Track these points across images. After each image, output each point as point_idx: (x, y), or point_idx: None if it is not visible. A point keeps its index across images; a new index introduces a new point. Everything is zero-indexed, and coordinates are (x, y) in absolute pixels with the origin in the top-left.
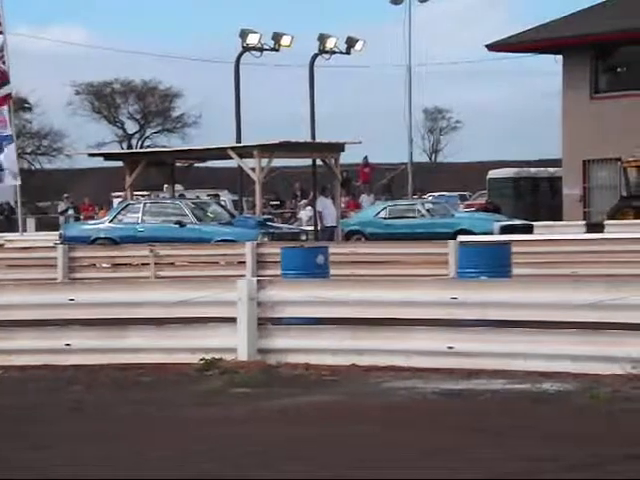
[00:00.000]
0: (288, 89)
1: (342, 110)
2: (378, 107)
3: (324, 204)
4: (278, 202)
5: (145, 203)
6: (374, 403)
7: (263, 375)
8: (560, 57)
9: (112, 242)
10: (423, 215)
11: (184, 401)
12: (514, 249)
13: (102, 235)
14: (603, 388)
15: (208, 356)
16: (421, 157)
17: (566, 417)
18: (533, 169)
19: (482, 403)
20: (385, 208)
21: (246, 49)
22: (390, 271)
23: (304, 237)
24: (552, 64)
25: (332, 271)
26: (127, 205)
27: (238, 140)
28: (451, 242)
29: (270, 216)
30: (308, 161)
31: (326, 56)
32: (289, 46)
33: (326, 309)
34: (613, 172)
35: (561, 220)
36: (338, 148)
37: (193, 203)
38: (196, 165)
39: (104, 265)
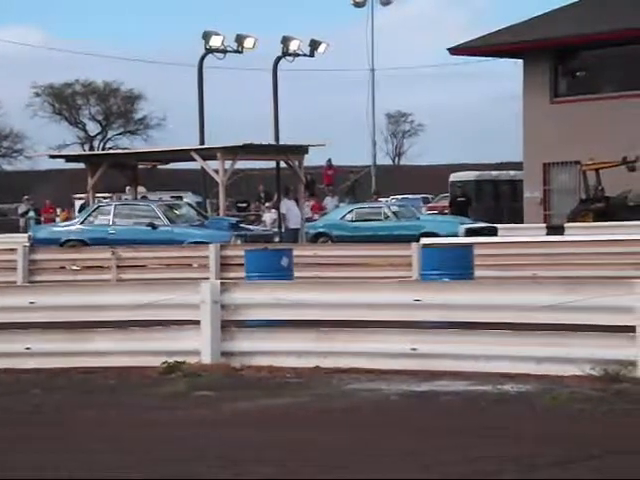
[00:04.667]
0: (253, 91)
1: (307, 113)
2: (342, 110)
3: (288, 206)
4: (245, 204)
5: (116, 205)
6: (338, 405)
7: (227, 378)
8: (520, 61)
9: (83, 244)
10: (389, 217)
11: (147, 404)
12: (478, 251)
13: (73, 237)
14: (563, 389)
15: (172, 359)
16: (385, 160)
17: (527, 418)
18: (495, 172)
19: (444, 404)
20: (352, 211)
21: (209, 51)
22: (354, 273)
23: (277, 239)
24: (514, 67)
25: (296, 273)
26: (98, 207)
27: (202, 142)
28: (414, 244)
29: (240, 218)
30: (272, 163)
31: (290, 58)
32: (252, 48)
33: (290, 311)
34: (573, 175)
35: (522, 223)
36: (302, 150)
37: (165, 205)
38: (159, 167)
39: (74, 267)
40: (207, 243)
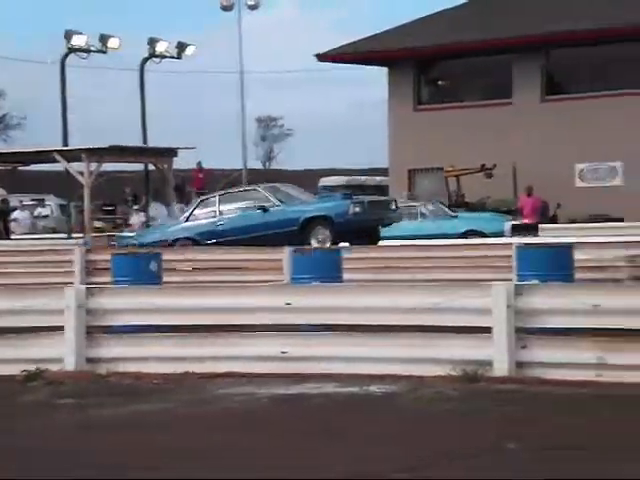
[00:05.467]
0: (121, 93)
1: (179, 116)
2: (213, 113)
3: (157, 209)
4: (112, 207)
5: (220, 196)
6: (209, 410)
7: (92, 385)
8: (385, 69)
9: (193, 242)
10: None
11: (7, 412)
12: (358, 255)
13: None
14: (427, 389)
15: (33, 367)
16: (256, 164)
17: (391, 418)
18: (363, 177)
19: (313, 407)
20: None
21: (72, 50)
22: (226, 277)
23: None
24: (380, 74)
25: (166, 278)
26: (201, 201)
27: (65, 143)
28: (286, 248)
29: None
30: (141, 165)
31: (157, 60)
32: (117, 49)
33: (158, 317)
34: (436, 181)
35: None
36: (171, 153)
37: (269, 186)
38: (20, 169)
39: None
40: (325, 217)
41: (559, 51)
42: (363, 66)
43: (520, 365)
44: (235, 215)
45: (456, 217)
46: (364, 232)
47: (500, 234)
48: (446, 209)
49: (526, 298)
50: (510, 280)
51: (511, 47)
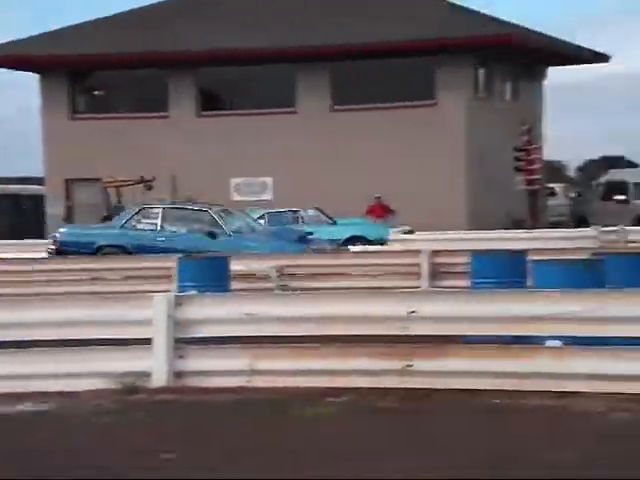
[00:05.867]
0: None
1: None
2: None
3: None
4: None
5: (165, 208)
6: None
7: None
8: (38, 75)
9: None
10: None
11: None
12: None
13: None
14: (85, 404)
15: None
16: None
17: (49, 435)
18: (15, 186)
19: None
20: None
21: None
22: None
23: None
24: (34, 80)
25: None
26: (143, 209)
27: None
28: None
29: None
30: None
31: None
32: None
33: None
34: (95, 192)
35: (45, 239)
36: None
37: (222, 210)
38: None
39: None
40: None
41: (212, 69)
42: (13, 71)
43: (179, 375)
44: (178, 233)
45: (335, 223)
46: None
47: (383, 241)
48: (323, 216)
49: (185, 309)
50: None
51: (166, 61)
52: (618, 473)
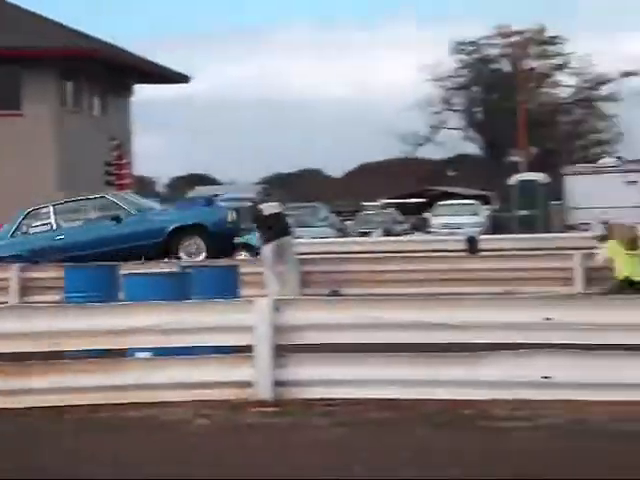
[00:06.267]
0: None
1: None
2: None
3: None
4: None
5: (55, 206)
6: None
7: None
8: None
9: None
10: None
11: None
12: None
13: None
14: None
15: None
16: None
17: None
18: None
19: None
20: None
21: None
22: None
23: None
24: None
25: None
26: (28, 213)
27: None
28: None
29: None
30: None
31: None
32: None
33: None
34: None
35: None
36: None
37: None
38: None
39: None
40: (199, 225)
41: None
42: None
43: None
44: (79, 227)
45: None
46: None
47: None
48: None
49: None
50: None
51: None
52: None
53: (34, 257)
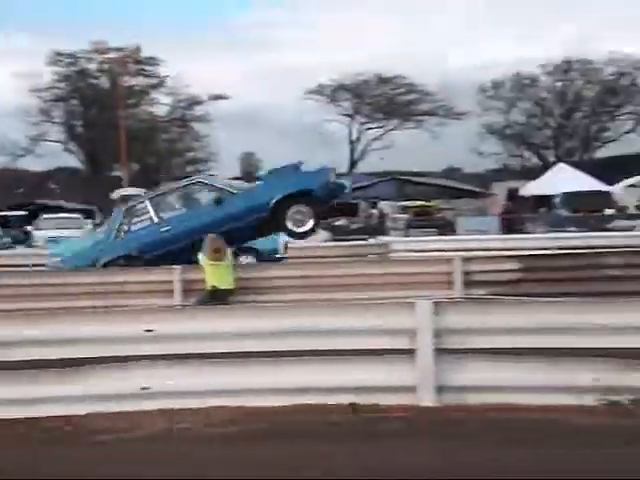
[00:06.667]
0: None
1: None
2: None
3: None
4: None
5: (151, 198)
6: None
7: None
8: None
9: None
10: None
11: None
12: None
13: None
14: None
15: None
16: None
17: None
18: None
19: None
20: None
21: None
22: None
23: None
24: None
25: None
26: (127, 210)
27: None
28: None
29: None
30: None
31: None
32: None
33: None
34: None
35: None
36: None
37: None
38: None
39: None
40: (304, 191)
41: None
42: None
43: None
44: (182, 215)
45: None
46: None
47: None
48: None
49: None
50: None
51: None
52: None
53: (145, 253)
